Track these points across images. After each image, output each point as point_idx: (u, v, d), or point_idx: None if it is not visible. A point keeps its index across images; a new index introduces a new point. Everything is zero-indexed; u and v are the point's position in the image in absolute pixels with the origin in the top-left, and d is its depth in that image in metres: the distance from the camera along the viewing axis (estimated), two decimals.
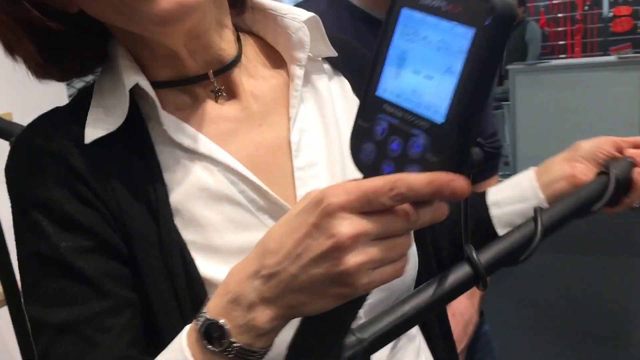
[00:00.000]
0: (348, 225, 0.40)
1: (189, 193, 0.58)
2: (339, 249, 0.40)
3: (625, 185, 0.66)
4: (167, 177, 0.58)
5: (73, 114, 0.60)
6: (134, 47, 0.61)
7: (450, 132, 0.38)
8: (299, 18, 0.65)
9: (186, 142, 0.59)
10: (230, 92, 0.64)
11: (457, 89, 0.38)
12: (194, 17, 0.56)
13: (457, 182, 0.39)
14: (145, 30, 0.57)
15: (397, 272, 0.42)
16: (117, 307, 0.55)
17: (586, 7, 6.91)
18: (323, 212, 0.40)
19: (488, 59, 0.37)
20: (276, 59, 0.69)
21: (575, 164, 0.71)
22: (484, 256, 0.49)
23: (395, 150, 0.41)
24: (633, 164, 0.67)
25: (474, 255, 0.48)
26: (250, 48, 0.68)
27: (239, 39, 0.66)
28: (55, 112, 0.62)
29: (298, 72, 0.66)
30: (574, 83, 4.54)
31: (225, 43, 0.63)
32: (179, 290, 0.55)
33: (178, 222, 0.57)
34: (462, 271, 0.48)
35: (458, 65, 0.38)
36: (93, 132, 0.57)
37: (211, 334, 0.45)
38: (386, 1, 0.76)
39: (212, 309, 0.46)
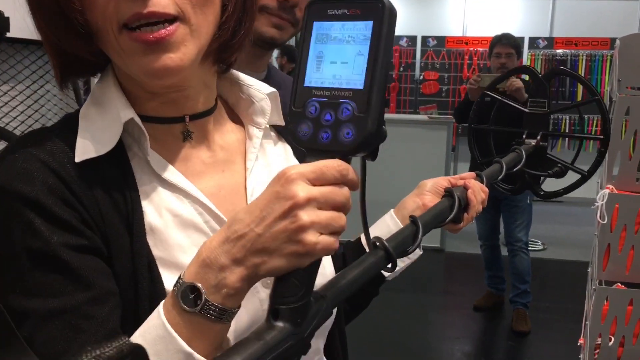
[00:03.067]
0: (304, 190, 0.51)
1: (162, 216, 0.66)
2: (296, 208, 0.50)
3: (464, 205, 0.86)
4: (144, 200, 0.65)
5: (61, 134, 0.65)
6: (127, 81, 0.68)
7: (370, 92, 0.51)
8: (262, 90, 0.78)
9: (165, 174, 0.68)
10: (202, 138, 0.73)
11: (368, 63, 0.51)
12: (176, 77, 0.64)
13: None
14: (135, 76, 0.65)
15: (334, 245, 0.52)
16: (100, 298, 0.59)
17: (401, 69, 7.80)
18: (284, 180, 0.51)
19: (386, 39, 0.51)
20: (234, 119, 0.80)
21: (423, 196, 0.91)
22: (388, 244, 0.62)
23: (329, 120, 0.53)
24: (465, 189, 0.88)
25: (384, 241, 0.61)
26: (219, 105, 0.77)
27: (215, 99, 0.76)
28: (45, 130, 0.67)
29: (257, 133, 0.77)
30: (392, 136, 5.22)
31: (204, 99, 0.73)
32: (141, 299, 0.61)
33: (150, 240, 0.64)
34: (377, 254, 0.61)
35: (366, 48, 0.51)
36: (83, 152, 0.63)
37: (188, 296, 0.53)
38: (246, 60, 1.00)
39: (187, 275, 0.54)
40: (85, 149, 0.63)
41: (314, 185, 0.52)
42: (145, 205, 0.66)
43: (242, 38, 0.70)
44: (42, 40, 0.66)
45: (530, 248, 5.47)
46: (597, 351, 2.29)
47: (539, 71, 1.26)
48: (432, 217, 0.76)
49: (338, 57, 0.53)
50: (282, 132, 0.84)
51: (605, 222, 2.12)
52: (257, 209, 0.52)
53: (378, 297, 0.98)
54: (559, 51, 7.52)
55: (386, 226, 0.92)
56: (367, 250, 0.63)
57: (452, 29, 7.84)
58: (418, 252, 0.92)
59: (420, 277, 4.45)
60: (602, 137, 1.16)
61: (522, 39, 7.61)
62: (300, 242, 0.51)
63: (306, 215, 0.50)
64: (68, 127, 0.67)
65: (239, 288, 0.53)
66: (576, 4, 7.52)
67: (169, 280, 0.63)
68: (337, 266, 0.85)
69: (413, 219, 0.68)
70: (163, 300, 0.57)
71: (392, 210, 0.94)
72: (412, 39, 7.85)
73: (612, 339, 2.24)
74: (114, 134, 0.65)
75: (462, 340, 3.84)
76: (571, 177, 1.25)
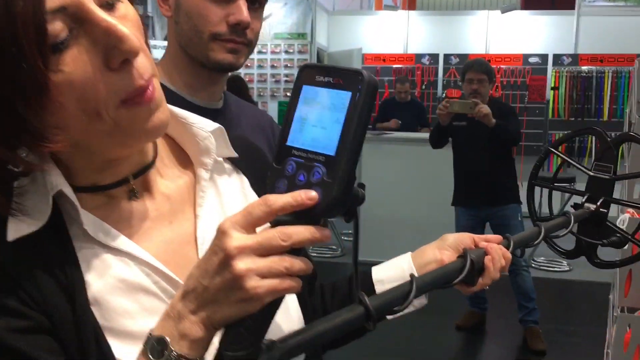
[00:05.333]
0: (235, 240, 0.53)
1: (108, 284, 0.64)
2: (229, 258, 0.53)
3: (479, 268, 0.83)
4: (86, 270, 0.64)
5: None
6: (67, 155, 0.65)
7: (340, 160, 0.53)
8: (205, 128, 0.75)
9: (104, 239, 0.65)
10: (145, 191, 0.71)
11: (342, 132, 0.54)
12: (163, 132, 0.65)
13: (309, 193, 0.53)
14: (126, 145, 0.64)
15: (280, 286, 0.53)
16: None
17: (423, 87, 7.81)
18: (219, 233, 0.54)
19: (361, 111, 0.53)
20: (183, 158, 0.78)
21: (444, 251, 0.90)
22: (373, 302, 0.60)
23: (302, 180, 0.55)
24: (486, 253, 0.84)
25: (366, 299, 0.60)
26: (162, 147, 0.75)
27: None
28: None
29: (204, 175, 0.75)
30: (407, 153, 5.34)
31: (148, 146, 0.72)
32: None
33: (96, 311, 0.63)
34: (356, 310, 0.60)
35: (342, 117, 0.54)
36: (15, 230, 0.61)
37: (155, 348, 0.56)
38: (202, 88, 1.07)
39: (154, 329, 0.57)
40: (17, 227, 0.61)
41: (248, 231, 0.54)
42: (88, 275, 0.64)
43: None
44: None
45: (555, 269, 5.42)
46: None
47: (606, 134, 1.17)
48: (435, 278, 0.74)
49: (319, 122, 0.55)
50: (238, 164, 0.83)
51: (626, 247, 2.06)
52: (203, 263, 0.56)
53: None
54: (584, 68, 7.43)
55: (401, 270, 0.92)
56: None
57: (475, 46, 7.81)
58: (424, 302, 0.91)
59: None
60: None
61: (546, 55, 7.56)
62: (242, 289, 0.53)
63: (241, 264, 0.52)
64: None
65: (199, 337, 0.55)
66: (601, 20, 7.44)
67: (119, 349, 0.62)
68: (316, 302, 0.85)
69: (411, 278, 0.67)
70: (135, 356, 0.58)
71: (410, 253, 0.93)
72: (434, 57, 7.83)
73: None
74: (45, 207, 0.62)
75: None
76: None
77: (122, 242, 0.67)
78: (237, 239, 0.53)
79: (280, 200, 0.53)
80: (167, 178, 0.75)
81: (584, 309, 4.56)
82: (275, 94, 7.60)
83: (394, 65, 7.89)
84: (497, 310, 4.24)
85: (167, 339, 0.56)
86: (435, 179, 4.96)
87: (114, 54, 0.57)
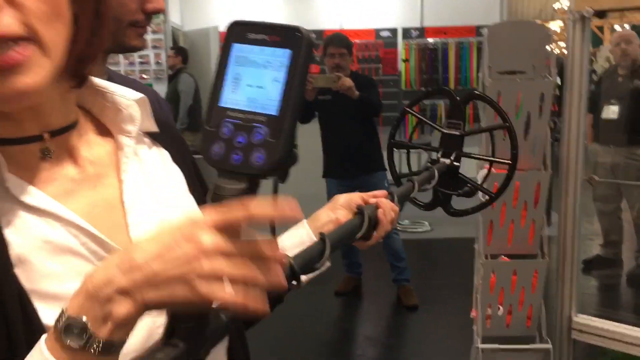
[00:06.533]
0: (212, 237, 0.48)
1: (32, 246, 0.60)
2: (200, 254, 0.48)
3: (374, 223, 0.89)
4: (8, 231, 0.60)
5: None
6: None
7: (283, 120, 0.52)
8: (127, 96, 0.74)
9: (28, 200, 0.62)
10: (68, 155, 0.69)
11: (284, 91, 0.52)
12: (32, 101, 0.60)
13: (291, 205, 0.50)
14: None
15: (239, 299, 0.48)
16: None
17: None
18: (195, 225, 0.49)
19: (302, 69, 0.52)
20: (101, 130, 0.75)
21: (337, 210, 0.95)
22: (295, 262, 0.62)
23: (241, 142, 0.53)
24: (377, 207, 0.91)
25: (290, 259, 0.61)
26: (82, 117, 0.73)
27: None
28: None
29: (128, 141, 0.73)
30: None
31: (62, 114, 0.68)
32: (15, 337, 0.57)
33: (20, 273, 0.59)
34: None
35: (282, 75, 0.52)
36: None
37: (72, 331, 0.49)
38: (99, 66, 0.97)
39: (70, 307, 0.50)
40: None
41: (220, 231, 0.49)
42: (11, 235, 0.60)
43: (97, 49, 0.66)
44: None
45: (419, 230, 5.79)
46: (488, 321, 2.45)
47: (454, 94, 1.27)
48: (341, 235, 0.78)
49: (254, 81, 0.53)
50: (157, 137, 0.81)
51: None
52: (160, 247, 0.49)
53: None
54: (431, 40, 7.90)
55: (299, 236, 0.95)
56: None
57: (330, 23, 7.99)
58: (328, 264, 0.94)
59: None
60: (510, 162, 1.21)
61: (395, 30, 7.93)
62: (194, 287, 0.48)
63: (208, 264, 0.48)
64: None
65: (127, 320, 0.49)
66: None
67: (47, 313, 0.58)
68: None
69: (322, 237, 0.69)
70: (44, 336, 0.52)
71: (304, 220, 0.96)
72: None
73: (501, 308, 2.41)
74: None
75: (349, 323, 3.96)
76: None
77: (46, 202, 0.63)
78: (215, 237, 0.49)
79: (257, 211, 0.49)
80: (90, 143, 0.72)
81: (448, 264, 4.93)
82: (130, 77, 7.28)
83: None
84: (371, 274, 4.48)
85: (88, 321, 0.49)
86: (304, 153, 5.03)
87: None
